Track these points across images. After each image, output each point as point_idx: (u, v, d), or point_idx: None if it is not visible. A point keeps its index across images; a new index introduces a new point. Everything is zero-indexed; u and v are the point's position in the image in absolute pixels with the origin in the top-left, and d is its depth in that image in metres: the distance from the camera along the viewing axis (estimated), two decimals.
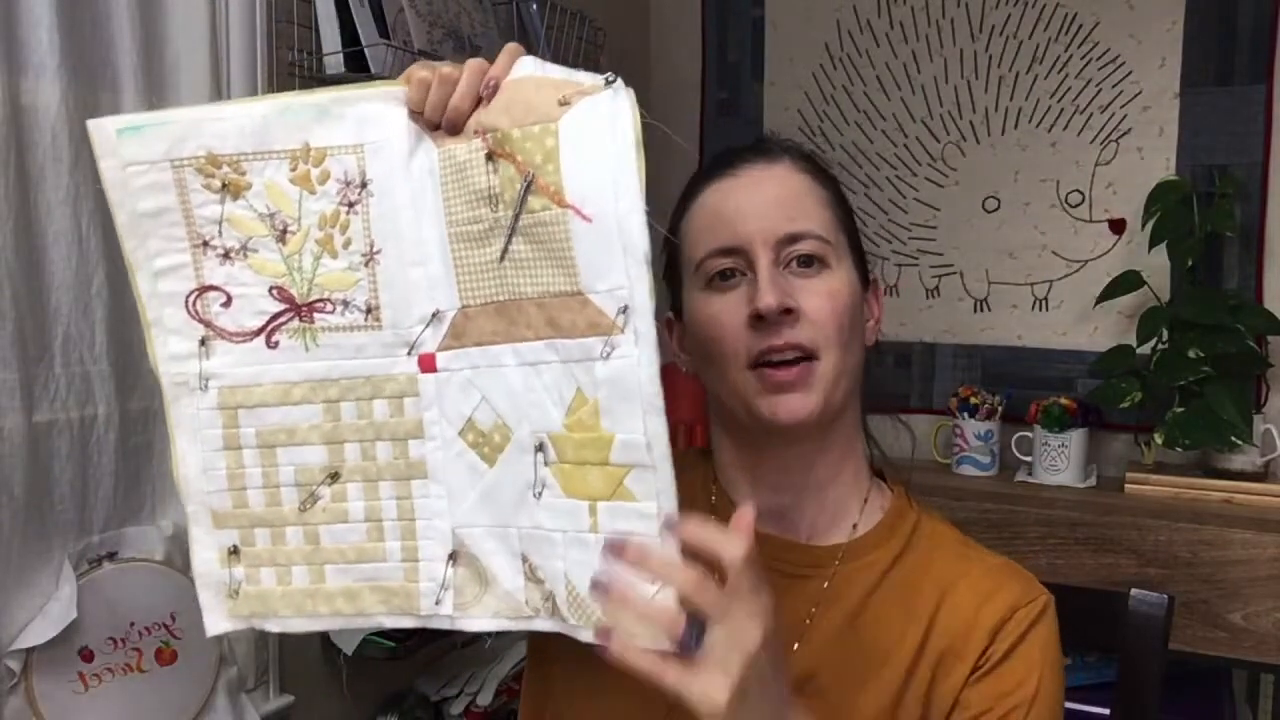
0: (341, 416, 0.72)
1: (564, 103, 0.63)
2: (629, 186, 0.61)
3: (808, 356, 0.77)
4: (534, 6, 1.72)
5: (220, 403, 0.72)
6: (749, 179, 0.82)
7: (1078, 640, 0.91)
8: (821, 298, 0.78)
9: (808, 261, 0.79)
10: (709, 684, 0.58)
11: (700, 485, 0.89)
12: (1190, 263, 1.82)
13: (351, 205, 0.69)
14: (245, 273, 0.70)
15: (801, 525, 0.84)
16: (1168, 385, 1.79)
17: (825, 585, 0.82)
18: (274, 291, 0.70)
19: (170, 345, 0.71)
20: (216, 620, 0.75)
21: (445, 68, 0.66)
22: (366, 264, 0.69)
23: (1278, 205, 1.89)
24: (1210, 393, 1.74)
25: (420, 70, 0.67)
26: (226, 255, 0.70)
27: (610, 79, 0.63)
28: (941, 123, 2.13)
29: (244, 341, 0.71)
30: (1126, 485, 1.83)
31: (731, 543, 0.61)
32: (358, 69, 1.37)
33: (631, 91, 0.63)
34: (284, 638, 1.38)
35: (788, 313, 0.76)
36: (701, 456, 0.91)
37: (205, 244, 0.70)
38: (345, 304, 0.70)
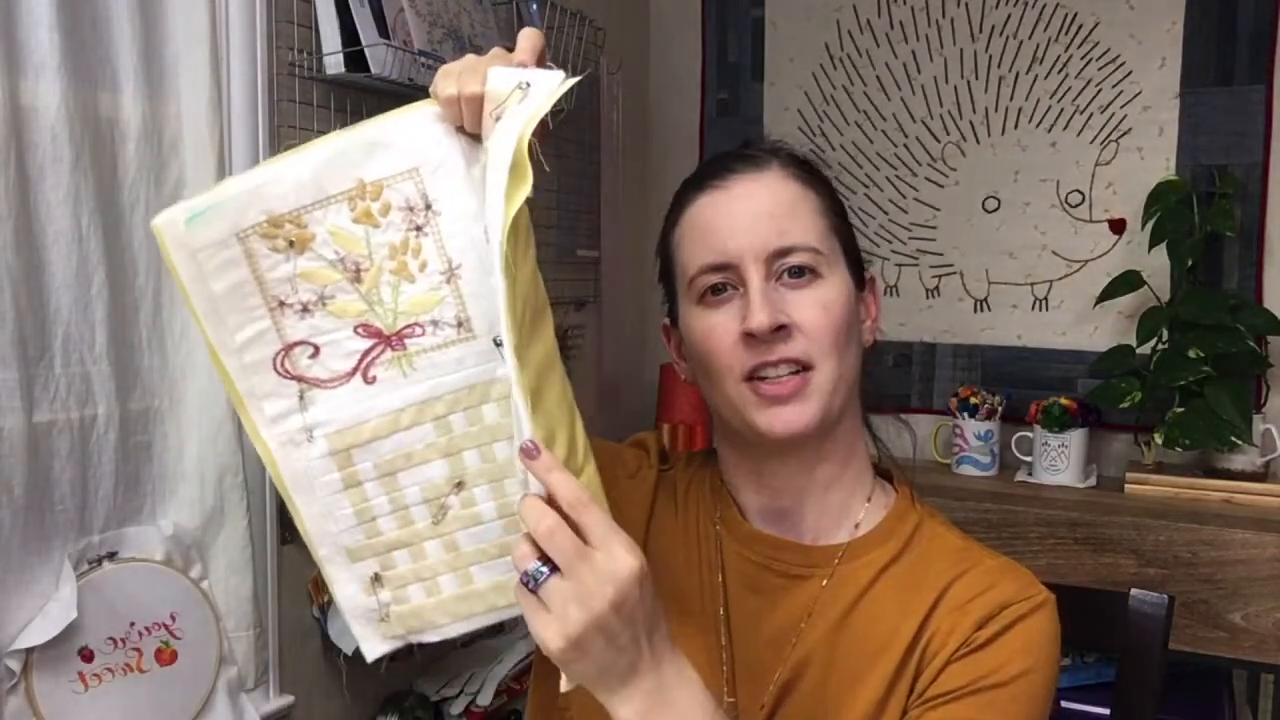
0: (454, 429, 0.72)
1: (497, 118, 0.64)
2: (495, 217, 0.61)
3: (803, 368, 0.77)
4: (534, 6, 1.72)
5: (330, 448, 0.72)
6: (738, 190, 0.81)
7: (1078, 640, 0.91)
8: (814, 309, 0.78)
9: (799, 273, 0.78)
10: (545, 627, 0.62)
11: (710, 489, 0.89)
12: (1190, 263, 1.82)
13: (420, 229, 0.69)
14: (327, 320, 0.70)
15: (804, 527, 0.84)
16: (1168, 385, 1.79)
17: (824, 584, 0.82)
18: (359, 330, 0.70)
19: (267, 409, 0.71)
20: (374, 645, 0.76)
21: (469, 85, 0.66)
22: (448, 281, 0.70)
23: (1278, 205, 1.89)
24: (1210, 393, 1.75)
25: (446, 87, 0.66)
26: (305, 309, 0.70)
27: (525, 85, 0.63)
28: (941, 123, 2.13)
29: (340, 385, 0.71)
30: (1126, 485, 1.83)
31: (566, 486, 0.63)
32: (358, 69, 1.37)
33: (539, 94, 0.62)
34: (284, 638, 1.39)
35: (780, 329, 0.76)
36: (709, 459, 0.91)
37: (282, 304, 0.69)
38: (435, 323, 0.70)
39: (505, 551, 0.73)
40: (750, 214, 0.79)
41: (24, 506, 1.06)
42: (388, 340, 0.71)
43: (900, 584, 0.81)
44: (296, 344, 0.70)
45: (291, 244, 0.68)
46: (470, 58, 0.69)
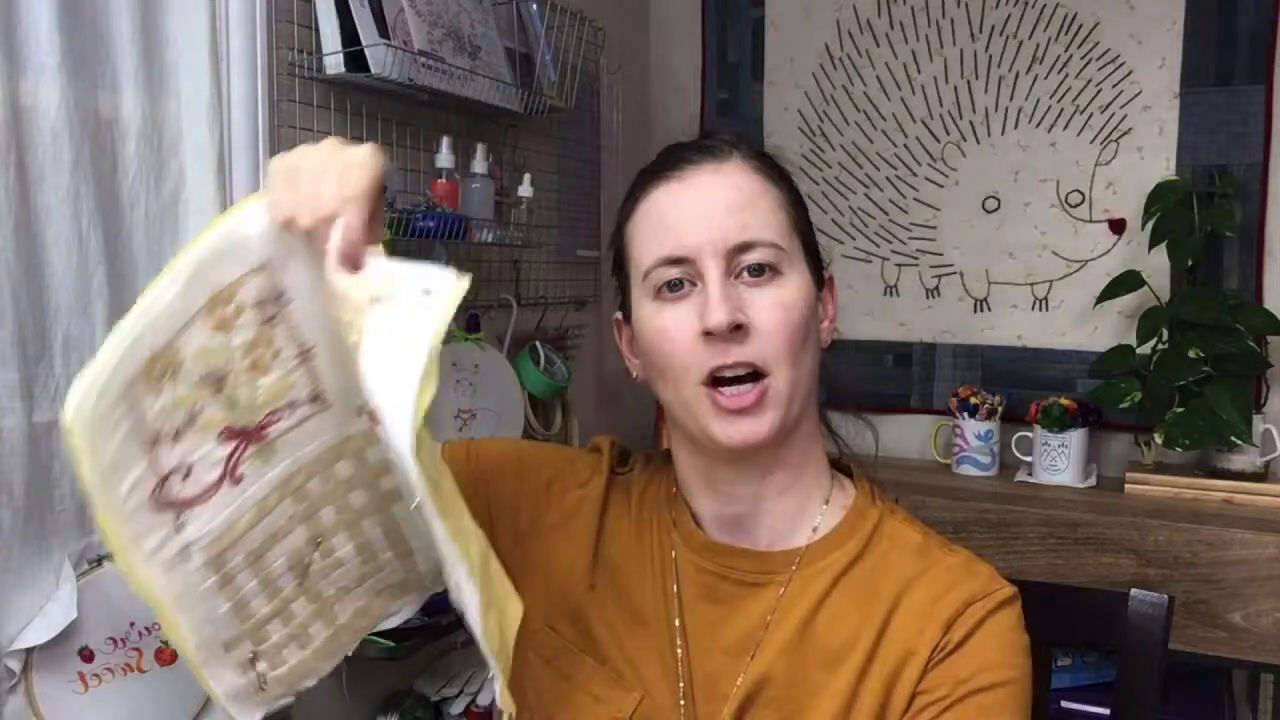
0: (311, 494, 0.72)
1: (373, 299, 0.61)
2: (405, 414, 0.57)
3: (759, 375, 0.75)
4: (534, 6, 1.72)
5: (207, 559, 0.70)
6: (696, 181, 0.78)
7: (1078, 640, 0.91)
8: (773, 310, 0.75)
9: (759, 270, 0.76)
10: None
11: (665, 494, 0.87)
12: (1190, 263, 1.82)
13: (270, 320, 0.67)
14: (194, 438, 0.68)
15: (759, 533, 0.82)
16: (1168, 385, 1.79)
17: (782, 592, 0.79)
18: (222, 436, 0.68)
19: (145, 545, 0.67)
20: (251, 713, 0.75)
21: (305, 219, 0.63)
22: (302, 364, 0.68)
23: (1278, 205, 1.89)
24: (1210, 393, 1.75)
25: (282, 208, 0.63)
26: (176, 435, 0.67)
27: (428, 291, 0.59)
28: (941, 123, 2.13)
29: (211, 495, 0.69)
30: (1126, 485, 1.83)
31: None
32: (358, 69, 1.37)
33: (444, 302, 0.58)
34: None
35: (738, 328, 0.74)
36: (666, 463, 0.88)
37: (156, 438, 0.66)
38: (291, 405, 0.69)
39: (363, 579, 0.75)
40: (709, 206, 0.76)
41: (24, 506, 1.06)
42: (249, 436, 0.69)
43: (859, 588, 0.79)
44: (170, 474, 0.67)
45: (164, 375, 0.65)
46: (309, 170, 0.64)
